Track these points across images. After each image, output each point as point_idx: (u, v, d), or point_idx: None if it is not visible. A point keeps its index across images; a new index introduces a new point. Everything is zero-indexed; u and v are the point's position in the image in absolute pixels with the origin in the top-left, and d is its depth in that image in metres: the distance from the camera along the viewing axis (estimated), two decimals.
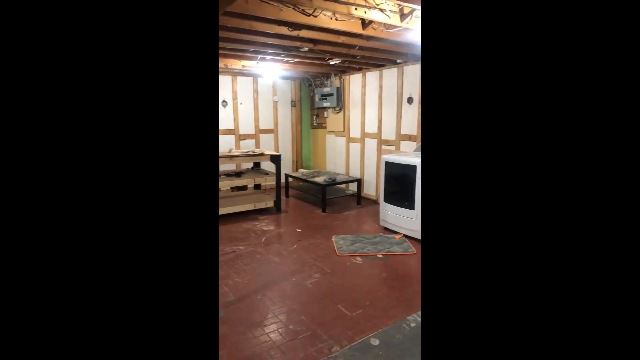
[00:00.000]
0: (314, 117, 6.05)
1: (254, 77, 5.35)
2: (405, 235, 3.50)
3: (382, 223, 3.81)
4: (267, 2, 2.16)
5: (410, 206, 3.42)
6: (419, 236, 3.37)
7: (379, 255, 3.07)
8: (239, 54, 3.79)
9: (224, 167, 5.06)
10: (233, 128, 5.32)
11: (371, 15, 2.30)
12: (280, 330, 2.02)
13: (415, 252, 3.13)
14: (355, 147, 5.21)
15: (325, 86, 5.53)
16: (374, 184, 4.93)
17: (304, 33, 2.73)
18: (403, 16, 2.40)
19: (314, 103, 5.80)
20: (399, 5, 2.31)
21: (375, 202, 4.80)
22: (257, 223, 4.02)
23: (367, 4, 2.21)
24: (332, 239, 3.44)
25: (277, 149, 5.78)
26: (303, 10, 2.31)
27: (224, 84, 5.14)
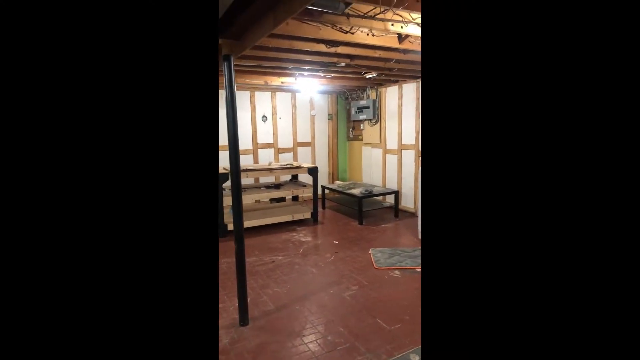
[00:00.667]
0: (350, 129, 6.10)
1: (293, 92, 5.53)
2: None
3: (420, 236, 3.73)
4: (306, 23, 2.27)
5: None
6: None
7: (418, 269, 3.00)
8: (279, 71, 3.96)
9: (263, 179, 5.24)
10: (272, 142, 5.51)
11: (408, 29, 2.33)
12: (318, 341, 2.04)
13: None
14: (392, 159, 5.17)
15: (362, 99, 5.57)
16: (412, 196, 4.84)
17: (341, 49, 2.81)
18: None
19: (350, 116, 5.86)
20: None
21: (413, 215, 4.71)
22: (295, 234, 4.10)
23: (404, 20, 2.25)
24: (369, 252, 3.42)
25: (314, 161, 5.88)
26: (341, 28, 2.39)
27: (264, 99, 5.36)
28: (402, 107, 4.88)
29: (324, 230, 4.25)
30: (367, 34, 2.53)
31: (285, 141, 5.63)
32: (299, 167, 4.55)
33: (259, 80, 4.36)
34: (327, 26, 2.34)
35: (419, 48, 2.77)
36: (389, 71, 3.89)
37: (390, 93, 5.07)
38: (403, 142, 4.93)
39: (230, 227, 3.83)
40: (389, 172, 5.24)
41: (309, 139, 5.85)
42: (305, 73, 4.00)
